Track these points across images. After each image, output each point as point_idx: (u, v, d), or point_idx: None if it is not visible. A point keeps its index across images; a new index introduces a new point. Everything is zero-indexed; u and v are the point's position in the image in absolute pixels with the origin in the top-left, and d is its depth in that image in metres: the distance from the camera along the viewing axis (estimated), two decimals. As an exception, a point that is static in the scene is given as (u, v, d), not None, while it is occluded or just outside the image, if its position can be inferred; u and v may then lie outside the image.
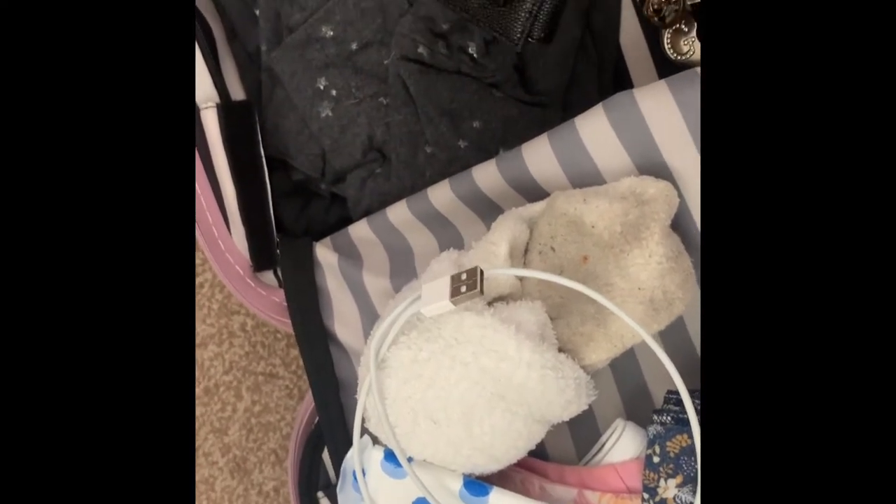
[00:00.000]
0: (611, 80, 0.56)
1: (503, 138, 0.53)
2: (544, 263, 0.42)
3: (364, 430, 0.43)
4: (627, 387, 0.45)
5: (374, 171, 0.56)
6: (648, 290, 0.38)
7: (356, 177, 0.57)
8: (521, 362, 0.37)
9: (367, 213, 0.56)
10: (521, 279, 0.41)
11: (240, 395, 0.72)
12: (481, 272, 0.37)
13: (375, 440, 0.44)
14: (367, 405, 0.42)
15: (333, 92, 0.57)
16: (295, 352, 0.72)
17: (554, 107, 0.54)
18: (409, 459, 0.41)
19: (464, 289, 0.37)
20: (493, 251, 0.39)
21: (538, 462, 0.46)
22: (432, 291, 0.38)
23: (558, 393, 0.38)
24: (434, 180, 0.54)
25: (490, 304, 0.40)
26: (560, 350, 0.40)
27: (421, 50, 0.54)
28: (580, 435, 0.45)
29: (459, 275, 0.37)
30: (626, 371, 0.45)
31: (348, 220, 0.58)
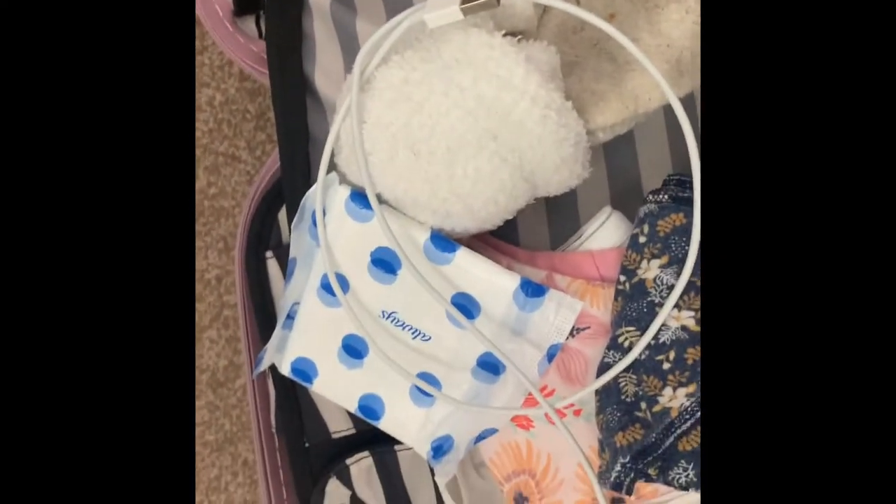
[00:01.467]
0: None
1: None
2: (568, 17, 0.37)
3: (332, 167, 0.40)
4: (619, 180, 0.42)
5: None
6: (677, 50, 0.35)
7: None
8: (524, 94, 0.33)
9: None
10: (538, 25, 0.37)
11: (195, 175, 0.67)
12: (501, -17, 0.32)
13: (343, 180, 0.40)
14: (341, 132, 0.38)
15: None
16: (262, 136, 0.67)
17: None
18: (379, 199, 0.38)
19: (478, -3, 0.32)
20: (515, -25, 0.35)
21: (508, 245, 0.43)
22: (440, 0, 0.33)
23: (555, 144, 0.35)
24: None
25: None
26: (565, 105, 0.36)
27: None
28: (558, 224, 0.42)
29: (475, -17, 0.33)
30: (619, 161, 0.41)
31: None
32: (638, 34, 0.35)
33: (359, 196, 0.39)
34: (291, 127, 0.46)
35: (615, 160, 0.42)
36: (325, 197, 0.40)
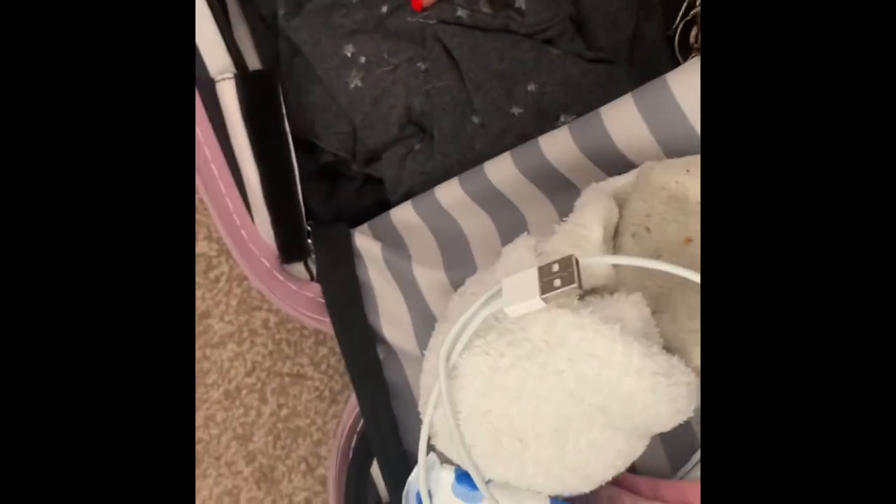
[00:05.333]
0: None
1: (564, 103, 0.46)
2: (639, 247, 0.35)
3: (430, 448, 0.37)
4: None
5: (414, 148, 0.50)
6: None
7: (393, 155, 0.50)
8: (629, 368, 0.31)
9: (408, 196, 0.49)
10: (615, 266, 0.35)
11: (264, 399, 0.66)
12: (577, 262, 0.31)
13: (443, 458, 0.38)
14: (434, 420, 0.36)
15: (363, 59, 0.50)
16: (324, 350, 0.66)
17: (620, 63, 0.47)
18: (488, 481, 0.35)
19: (557, 283, 0.30)
20: (584, 236, 0.33)
21: (628, 476, 0.40)
22: (516, 287, 0.31)
23: (669, 402, 0.32)
24: (484, 155, 0.47)
25: (581, 298, 0.33)
26: (665, 349, 0.33)
27: (460, 13, 0.47)
28: (675, 446, 0.39)
29: (549, 266, 0.31)
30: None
31: (384, 204, 0.52)
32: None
33: (465, 477, 0.36)
34: (369, 387, 0.44)
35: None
36: (429, 480, 0.37)
